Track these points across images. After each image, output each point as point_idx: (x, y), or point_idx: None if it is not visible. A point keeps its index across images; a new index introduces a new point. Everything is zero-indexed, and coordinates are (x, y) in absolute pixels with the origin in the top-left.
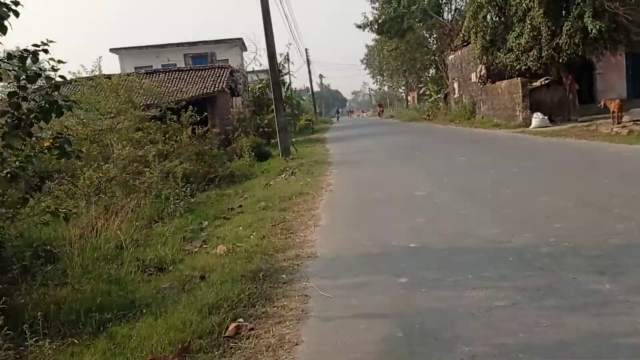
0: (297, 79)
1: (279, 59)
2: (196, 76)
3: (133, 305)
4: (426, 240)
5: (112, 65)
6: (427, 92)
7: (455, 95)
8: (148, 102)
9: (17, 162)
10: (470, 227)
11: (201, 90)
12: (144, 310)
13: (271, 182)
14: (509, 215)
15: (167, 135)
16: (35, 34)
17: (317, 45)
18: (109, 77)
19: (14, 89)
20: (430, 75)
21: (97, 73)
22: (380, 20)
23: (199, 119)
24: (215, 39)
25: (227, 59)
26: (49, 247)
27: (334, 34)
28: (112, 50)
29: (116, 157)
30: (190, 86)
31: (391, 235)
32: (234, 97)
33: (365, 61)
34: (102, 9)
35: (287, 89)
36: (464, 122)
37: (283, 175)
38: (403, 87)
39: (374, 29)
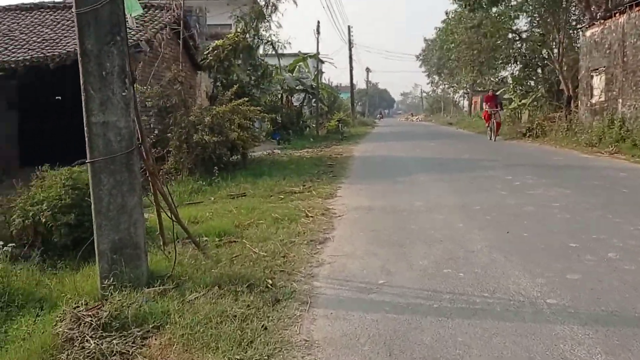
0: (337, 70)
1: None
2: None
3: None
4: None
5: None
6: (507, 96)
7: (596, 99)
8: None
9: None
10: None
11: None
12: None
13: None
14: None
15: None
16: None
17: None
18: None
19: None
20: (513, 73)
21: None
22: None
23: None
24: None
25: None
26: None
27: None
28: None
29: None
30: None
31: None
32: (200, 73)
33: (421, 57)
34: None
35: (315, 77)
36: (633, 151)
37: None
38: (466, 89)
39: None
